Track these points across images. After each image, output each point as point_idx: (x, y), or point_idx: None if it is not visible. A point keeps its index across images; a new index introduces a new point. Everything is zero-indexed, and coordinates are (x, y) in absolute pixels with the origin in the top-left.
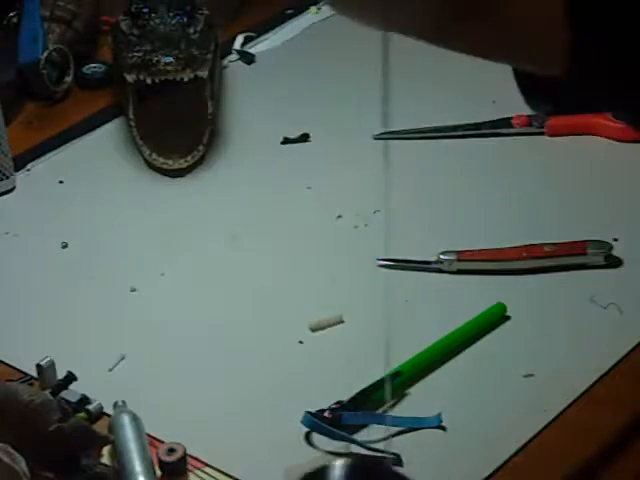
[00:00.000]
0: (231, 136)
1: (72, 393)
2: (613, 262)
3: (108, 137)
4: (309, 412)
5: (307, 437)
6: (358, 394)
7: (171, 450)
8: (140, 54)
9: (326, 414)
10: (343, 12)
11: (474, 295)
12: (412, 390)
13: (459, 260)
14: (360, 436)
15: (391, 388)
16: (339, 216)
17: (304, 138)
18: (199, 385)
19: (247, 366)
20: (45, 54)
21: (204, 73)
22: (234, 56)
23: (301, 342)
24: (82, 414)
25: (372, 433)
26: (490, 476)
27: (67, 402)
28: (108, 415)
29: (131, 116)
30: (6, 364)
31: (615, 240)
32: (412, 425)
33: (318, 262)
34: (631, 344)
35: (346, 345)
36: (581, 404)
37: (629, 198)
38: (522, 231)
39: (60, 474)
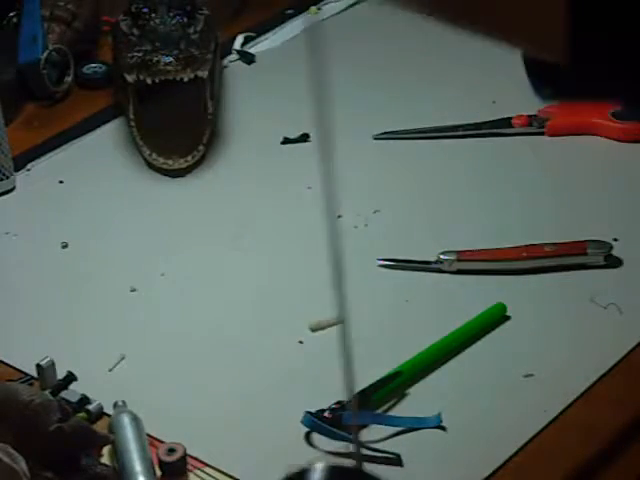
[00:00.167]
0: (231, 136)
1: (72, 393)
2: (613, 262)
3: (108, 137)
4: (309, 412)
5: (307, 437)
6: (358, 394)
7: (171, 450)
8: (140, 54)
9: (326, 414)
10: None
11: (474, 295)
12: (412, 390)
13: (459, 260)
14: (360, 436)
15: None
16: (339, 216)
17: (304, 138)
18: (199, 385)
19: (247, 366)
20: (45, 54)
21: (204, 73)
22: (234, 56)
23: (301, 342)
24: (82, 414)
25: (372, 433)
26: (490, 476)
27: (67, 402)
28: (108, 415)
29: (131, 116)
30: (6, 364)
31: (615, 240)
32: (412, 425)
33: (318, 262)
34: (631, 344)
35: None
36: (581, 404)
37: (629, 198)
38: (522, 231)
39: (60, 474)
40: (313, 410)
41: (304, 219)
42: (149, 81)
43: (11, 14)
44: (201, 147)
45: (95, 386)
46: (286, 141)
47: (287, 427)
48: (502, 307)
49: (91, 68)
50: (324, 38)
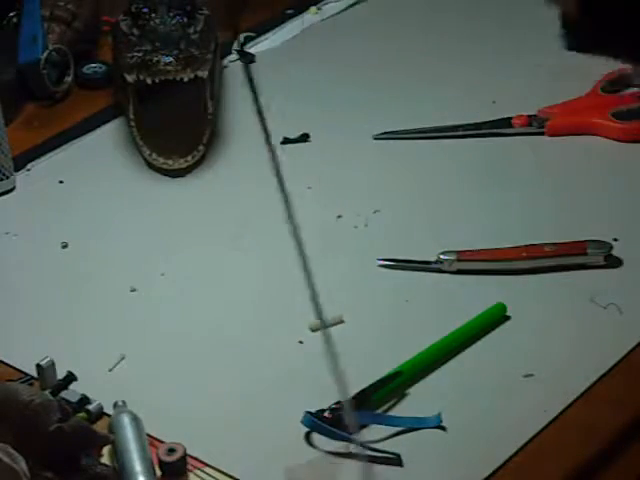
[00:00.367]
0: (231, 136)
1: (72, 393)
2: (613, 262)
3: (108, 137)
4: (309, 412)
5: (307, 437)
6: (358, 394)
7: (171, 450)
8: (140, 54)
9: (326, 414)
10: None
11: (474, 295)
12: (412, 390)
13: (459, 260)
14: (360, 436)
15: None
16: (339, 216)
17: (304, 138)
18: (199, 385)
19: (247, 366)
20: (45, 54)
21: (204, 73)
22: (234, 56)
23: (301, 342)
24: (82, 414)
25: (372, 433)
26: (490, 476)
27: (67, 402)
28: (108, 415)
29: (131, 116)
30: (6, 364)
31: (615, 240)
32: (412, 425)
33: (318, 262)
34: (631, 344)
35: (346, 345)
36: (581, 404)
37: (629, 198)
38: (522, 231)
39: (60, 474)
40: (313, 410)
41: (304, 219)
42: (149, 81)
43: (11, 14)
44: (201, 147)
45: (95, 386)
46: (286, 141)
47: (287, 427)
48: (502, 307)
49: (91, 68)
50: (322, 39)
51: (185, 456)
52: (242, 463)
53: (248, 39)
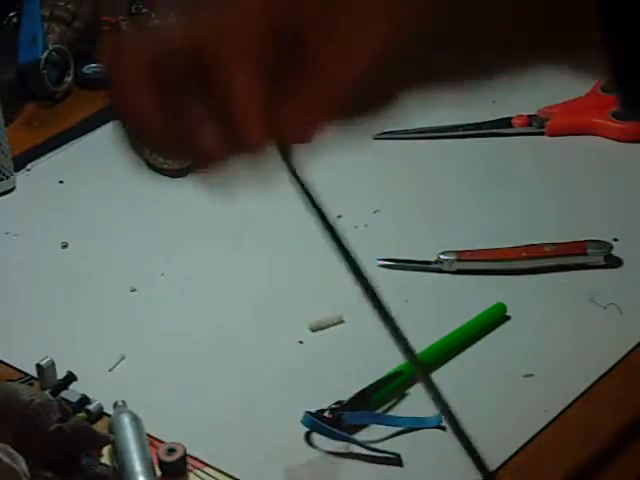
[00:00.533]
0: None
1: (72, 393)
2: (613, 262)
3: (108, 137)
4: (309, 412)
5: (307, 437)
6: (358, 394)
7: (171, 450)
8: None
9: (326, 414)
10: None
11: (474, 295)
12: (412, 390)
13: (459, 260)
14: (360, 436)
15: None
16: (339, 216)
17: None
18: (199, 385)
19: (247, 366)
20: (45, 54)
21: None
22: None
23: (301, 342)
24: (82, 414)
25: (372, 433)
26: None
27: (67, 402)
28: (108, 415)
29: None
30: (6, 364)
31: (615, 240)
32: (412, 425)
33: (318, 262)
34: (631, 344)
35: (346, 345)
36: (581, 404)
37: (629, 198)
38: (522, 231)
39: (60, 474)
40: (313, 410)
41: (304, 219)
42: None
43: (11, 14)
44: None
45: (95, 386)
46: None
47: (287, 427)
48: (502, 307)
49: (91, 68)
50: None
51: (185, 456)
52: (242, 463)
53: None
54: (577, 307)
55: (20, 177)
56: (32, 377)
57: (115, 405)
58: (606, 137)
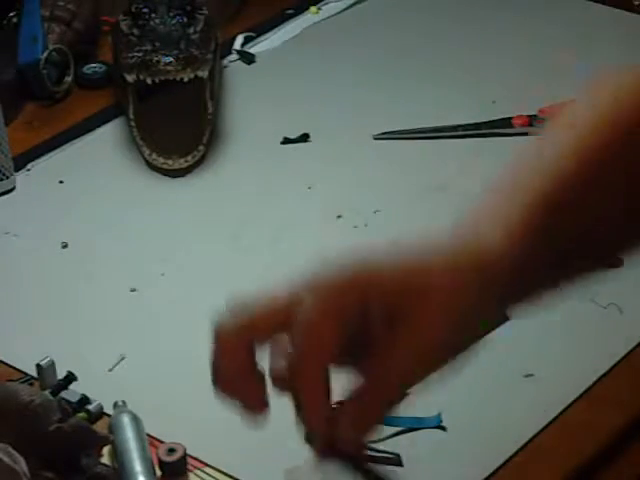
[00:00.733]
0: (231, 136)
1: (72, 393)
2: (613, 262)
3: (108, 137)
4: None
5: (307, 437)
6: None
7: (171, 450)
8: (140, 54)
9: None
10: None
11: None
12: (412, 390)
13: None
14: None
15: None
16: (339, 216)
17: (304, 138)
18: (199, 385)
19: None
20: (45, 54)
21: (204, 73)
22: (234, 56)
23: None
24: (82, 414)
25: None
26: (490, 476)
27: (67, 402)
28: (108, 415)
29: (131, 116)
30: (6, 364)
31: None
32: (412, 425)
33: (318, 262)
34: (631, 344)
35: None
36: (581, 404)
37: None
38: None
39: (60, 474)
40: None
41: (304, 219)
42: (149, 81)
43: (11, 14)
44: (201, 147)
45: (95, 386)
46: (286, 141)
47: (287, 427)
48: None
49: (91, 68)
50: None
51: (185, 456)
52: (242, 463)
53: (248, 39)
54: (577, 307)
55: (20, 177)
56: (32, 377)
57: (115, 405)
58: None
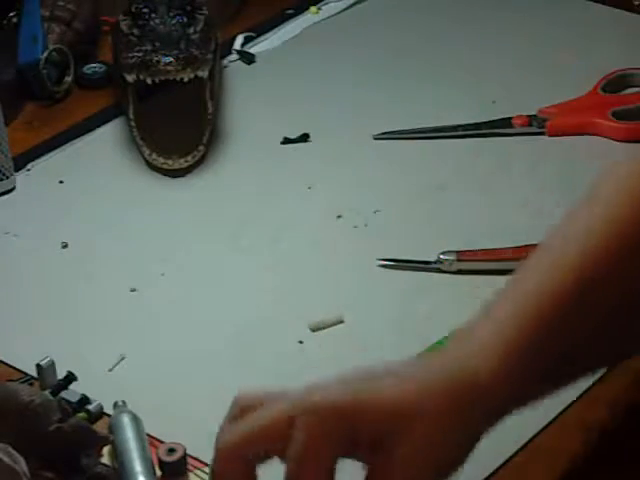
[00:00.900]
0: (231, 136)
1: (72, 393)
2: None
3: (108, 137)
4: None
5: None
6: None
7: (171, 450)
8: (140, 54)
9: None
10: None
11: (474, 295)
12: None
13: (459, 260)
14: None
15: None
16: (339, 216)
17: (304, 138)
18: (199, 385)
19: (247, 366)
20: (45, 54)
21: (204, 73)
22: (234, 56)
23: (301, 342)
24: (82, 414)
25: None
26: (490, 476)
27: (67, 402)
28: (108, 415)
29: (131, 116)
30: (6, 364)
31: None
32: None
33: (318, 262)
34: None
35: (346, 345)
36: (581, 404)
37: None
38: (522, 231)
39: (60, 474)
40: None
41: (304, 219)
42: (149, 81)
43: (11, 14)
44: (201, 147)
45: (95, 386)
46: (286, 141)
47: None
48: None
49: (91, 68)
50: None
51: (185, 456)
52: None
53: (248, 39)
54: None
55: (20, 177)
56: (32, 377)
57: (115, 405)
58: (606, 137)
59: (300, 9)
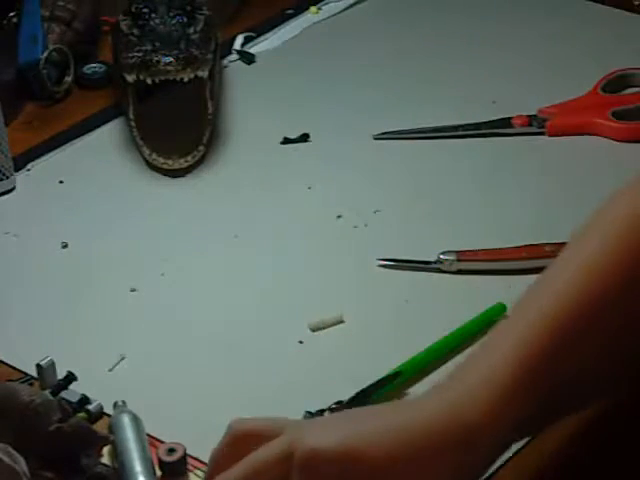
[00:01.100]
0: (231, 136)
1: (72, 393)
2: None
3: (108, 137)
4: (309, 412)
5: None
6: (358, 394)
7: (171, 450)
8: (140, 54)
9: (326, 414)
10: None
11: (474, 295)
12: (412, 390)
13: (459, 260)
14: None
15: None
16: (339, 216)
17: (304, 138)
18: (199, 385)
19: (247, 366)
20: (45, 54)
21: (204, 73)
22: (234, 56)
23: (301, 342)
24: (82, 414)
25: None
26: (490, 476)
27: (67, 402)
28: (108, 415)
29: (131, 116)
30: (6, 364)
31: None
32: None
33: (318, 262)
34: None
35: (346, 345)
36: None
37: None
38: (522, 231)
39: (60, 474)
40: (313, 410)
41: (304, 219)
42: (149, 81)
43: (11, 14)
44: (201, 147)
45: (95, 386)
46: (286, 141)
47: None
48: (502, 307)
49: (91, 68)
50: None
51: (185, 456)
52: None
53: (248, 39)
54: None
55: (20, 177)
56: (32, 377)
57: (115, 405)
58: (606, 137)
59: (300, 9)
